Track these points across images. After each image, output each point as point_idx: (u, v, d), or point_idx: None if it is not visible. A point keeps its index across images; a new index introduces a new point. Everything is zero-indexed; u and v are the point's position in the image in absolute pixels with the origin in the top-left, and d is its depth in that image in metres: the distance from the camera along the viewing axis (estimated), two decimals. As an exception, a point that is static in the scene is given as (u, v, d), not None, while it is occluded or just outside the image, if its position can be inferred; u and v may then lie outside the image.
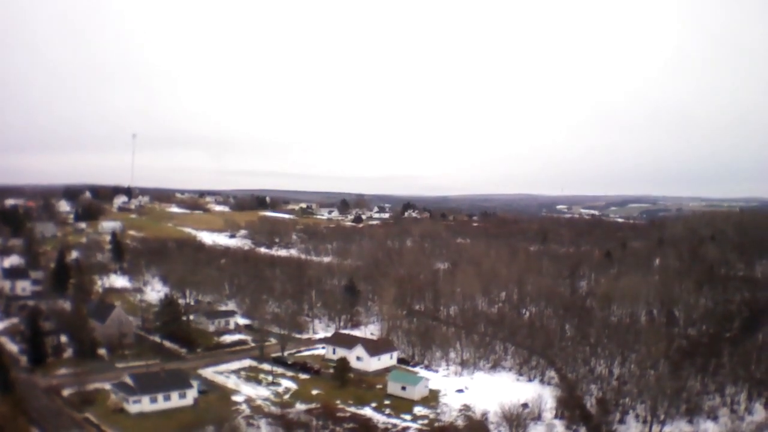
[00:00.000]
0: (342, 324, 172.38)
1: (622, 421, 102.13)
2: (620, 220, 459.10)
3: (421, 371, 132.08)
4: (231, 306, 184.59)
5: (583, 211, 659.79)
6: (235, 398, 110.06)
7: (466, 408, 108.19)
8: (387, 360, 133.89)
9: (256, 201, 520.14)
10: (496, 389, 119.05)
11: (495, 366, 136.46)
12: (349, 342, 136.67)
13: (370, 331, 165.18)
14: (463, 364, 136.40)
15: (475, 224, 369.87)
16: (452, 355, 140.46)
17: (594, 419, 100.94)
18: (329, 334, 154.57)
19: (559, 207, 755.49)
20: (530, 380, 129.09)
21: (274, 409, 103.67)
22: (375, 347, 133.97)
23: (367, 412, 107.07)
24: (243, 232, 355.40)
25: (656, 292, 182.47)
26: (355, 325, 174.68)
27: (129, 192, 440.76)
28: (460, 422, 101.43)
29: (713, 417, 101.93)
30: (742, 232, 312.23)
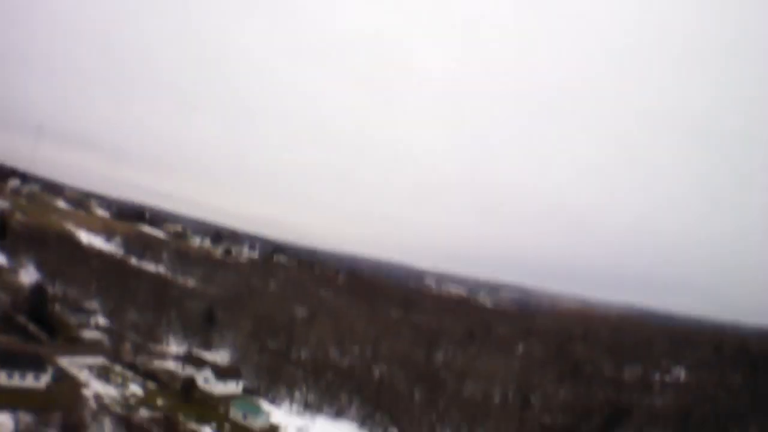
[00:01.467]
0: (196, 344, 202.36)
1: None
2: (488, 304, 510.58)
3: (265, 404, 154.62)
4: (95, 305, 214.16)
5: (453, 287, 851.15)
6: (85, 392, 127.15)
7: None
8: (233, 387, 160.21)
9: (137, 213, 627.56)
10: None
11: (338, 414, 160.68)
12: (200, 362, 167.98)
13: (220, 356, 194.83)
14: (307, 405, 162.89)
15: (339, 281, 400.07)
16: (297, 395, 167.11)
17: None
18: (182, 352, 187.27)
19: (427, 281, 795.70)
20: None
21: (119, 410, 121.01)
22: (224, 372, 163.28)
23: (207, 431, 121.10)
24: (118, 239, 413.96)
25: (515, 376, 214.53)
26: (208, 347, 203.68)
27: (24, 177, 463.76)
28: None
29: None
30: (616, 335, 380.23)
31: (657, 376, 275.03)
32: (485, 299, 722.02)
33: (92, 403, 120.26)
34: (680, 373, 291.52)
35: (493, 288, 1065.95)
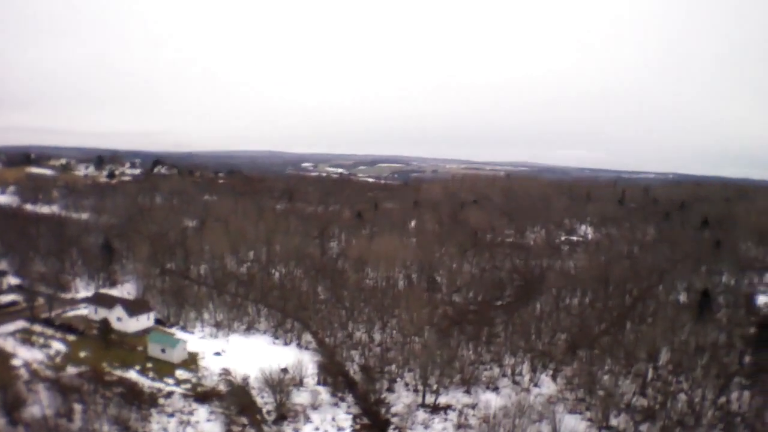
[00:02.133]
0: (101, 283, 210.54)
1: (390, 390, 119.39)
2: (370, 180, 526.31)
3: (178, 333, 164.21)
4: (2, 265, 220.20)
5: (329, 169, 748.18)
6: (15, 362, 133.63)
7: (226, 372, 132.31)
8: (145, 321, 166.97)
9: (24, 157, 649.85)
10: (253, 352, 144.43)
11: (249, 328, 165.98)
12: (109, 302, 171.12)
13: (127, 290, 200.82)
14: (218, 325, 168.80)
15: (221, 181, 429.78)
16: (206, 316, 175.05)
17: (359, 387, 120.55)
18: (90, 294, 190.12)
19: (304, 165, 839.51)
20: (287, 344, 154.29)
21: (49, 373, 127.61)
22: (133, 308, 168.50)
23: (133, 375, 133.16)
24: (11, 188, 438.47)
25: (414, 256, 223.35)
26: (114, 284, 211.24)
27: None
28: (221, 387, 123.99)
29: (494, 388, 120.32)
30: (510, 198, 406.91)
31: (562, 237, 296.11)
32: (367, 176, 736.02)
33: (24, 372, 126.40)
34: (586, 231, 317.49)
35: (372, 162, 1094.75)
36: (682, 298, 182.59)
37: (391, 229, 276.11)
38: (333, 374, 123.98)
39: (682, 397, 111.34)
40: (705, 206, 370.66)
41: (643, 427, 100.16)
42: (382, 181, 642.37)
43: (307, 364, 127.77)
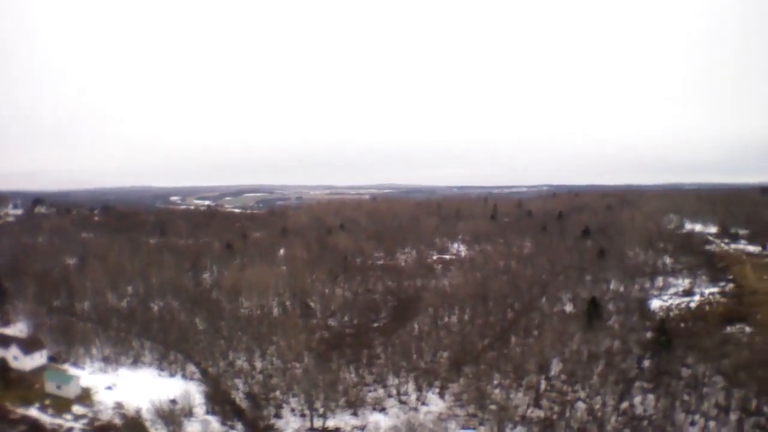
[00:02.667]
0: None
1: (278, 416, 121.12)
2: (237, 210, 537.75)
3: (71, 369, 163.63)
4: None
5: (197, 201, 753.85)
6: None
7: (119, 405, 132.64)
8: (39, 358, 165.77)
9: None
10: (141, 385, 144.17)
11: (136, 361, 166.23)
12: (5, 342, 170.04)
13: (19, 329, 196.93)
14: (106, 360, 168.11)
15: (96, 218, 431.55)
16: (94, 351, 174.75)
17: (247, 414, 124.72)
18: None
19: (173, 198, 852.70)
20: (172, 375, 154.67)
21: None
22: (28, 346, 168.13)
23: (34, 412, 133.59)
24: None
25: (286, 283, 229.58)
26: (7, 323, 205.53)
27: None
28: (117, 420, 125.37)
29: (381, 409, 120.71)
30: (377, 221, 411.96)
31: (434, 256, 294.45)
32: (233, 207, 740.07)
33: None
34: (459, 248, 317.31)
35: (237, 192, 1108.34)
36: (569, 308, 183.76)
37: (261, 258, 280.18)
38: (220, 403, 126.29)
39: (581, 405, 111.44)
40: (585, 215, 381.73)
41: None
42: (248, 211, 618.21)
43: (194, 394, 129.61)
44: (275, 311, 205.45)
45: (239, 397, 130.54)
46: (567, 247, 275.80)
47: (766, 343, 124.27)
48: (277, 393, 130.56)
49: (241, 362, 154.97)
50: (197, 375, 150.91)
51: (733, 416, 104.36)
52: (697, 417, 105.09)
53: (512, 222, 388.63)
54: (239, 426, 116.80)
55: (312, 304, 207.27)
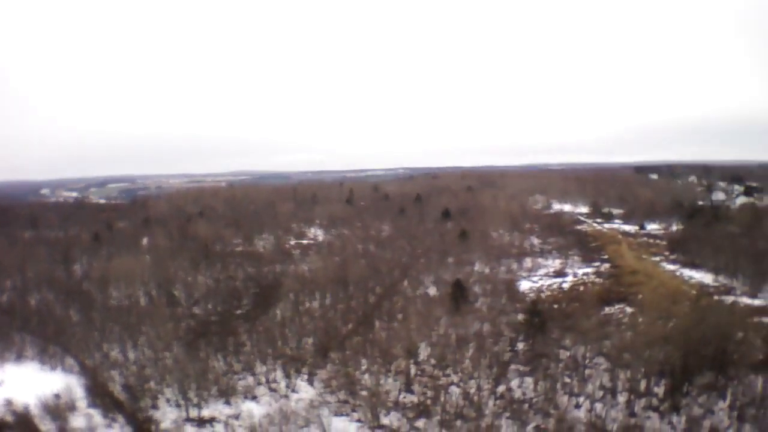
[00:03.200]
0: None
1: (155, 407, 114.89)
2: (102, 201, 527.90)
3: None
4: None
5: (65, 194, 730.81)
6: None
7: (9, 402, 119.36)
8: None
9: None
10: (26, 381, 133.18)
11: (19, 356, 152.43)
12: None
13: None
14: None
15: None
16: None
17: (126, 406, 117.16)
18: None
19: (43, 191, 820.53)
20: (53, 369, 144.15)
21: None
22: None
23: None
24: None
25: (150, 272, 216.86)
26: None
27: None
28: (8, 417, 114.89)
29: (252, 397, 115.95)
30: (235, 207, 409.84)
31: (292, 241, 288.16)
32: (98, 197, 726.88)
33: None
34: (316, 233, 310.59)
35: (101, 183, 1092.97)
36: (432, 291, 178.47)
37: (126, 248, 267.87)
38: (100, 396, 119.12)
39: (455, 390, 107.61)
40: (444, 198, 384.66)
41: (420, 423, 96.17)
42: (113, 202, 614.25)
43: (75, 388, 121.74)
44: (142, 301, 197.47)
45: (117, 390, 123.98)
46: (427, 230, 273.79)
47: (649, 323, 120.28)
48: (152, 384, 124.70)
49: (115, 353, 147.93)
50: (76, 368, 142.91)
51: (622, 398, 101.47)
52: (581, 399, 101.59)
53: (369, 206, 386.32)
54: (120, 419, 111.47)
55: (176, 293, 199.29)
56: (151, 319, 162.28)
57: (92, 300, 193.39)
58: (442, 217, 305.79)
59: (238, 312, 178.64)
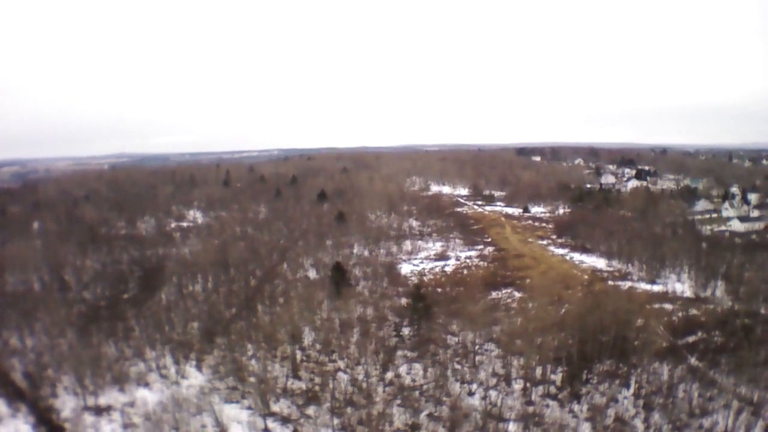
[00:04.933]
0: None
1: (54, 395, 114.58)
2: None
3: None
4: None
5: None
6: None
7: None
8: None
9: None
10: None
11: None
12: None
13: None
14: None
15: None
16: None
17: (28, 395, 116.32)
18: None
19: None
20: None
21: None
22: None
23: None
24: None
25: (42, 257, 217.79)
26: None
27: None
28: None
29: (145, 384, 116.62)
30: (117, 190, 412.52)
31: (173, 224, 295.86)
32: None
33: None
34: (195, 216, 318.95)
35: None
36: (312, 274, 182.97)
37: (19, 232, 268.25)
38: (3, 384, 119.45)
39: (343, 376, 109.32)
40: (320, 179, 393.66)
41: (310, 411, 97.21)
42: (4, 186, 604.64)
43: None
44: (36, 286, 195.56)
45: (18, 378, 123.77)
46: (304, 212, 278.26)
47: (541, 309, 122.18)
48: (50, 371, 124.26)
49: (14, 340, 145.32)
50: None
51: (517, 386, 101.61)
52: (474, 387, 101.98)
53: (245, 187, 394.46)
54: (23, 408, 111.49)
55: (67, 278, 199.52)
56: (45, 305, 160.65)
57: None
58: (318, 199, 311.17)
59: (125, 296, 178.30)
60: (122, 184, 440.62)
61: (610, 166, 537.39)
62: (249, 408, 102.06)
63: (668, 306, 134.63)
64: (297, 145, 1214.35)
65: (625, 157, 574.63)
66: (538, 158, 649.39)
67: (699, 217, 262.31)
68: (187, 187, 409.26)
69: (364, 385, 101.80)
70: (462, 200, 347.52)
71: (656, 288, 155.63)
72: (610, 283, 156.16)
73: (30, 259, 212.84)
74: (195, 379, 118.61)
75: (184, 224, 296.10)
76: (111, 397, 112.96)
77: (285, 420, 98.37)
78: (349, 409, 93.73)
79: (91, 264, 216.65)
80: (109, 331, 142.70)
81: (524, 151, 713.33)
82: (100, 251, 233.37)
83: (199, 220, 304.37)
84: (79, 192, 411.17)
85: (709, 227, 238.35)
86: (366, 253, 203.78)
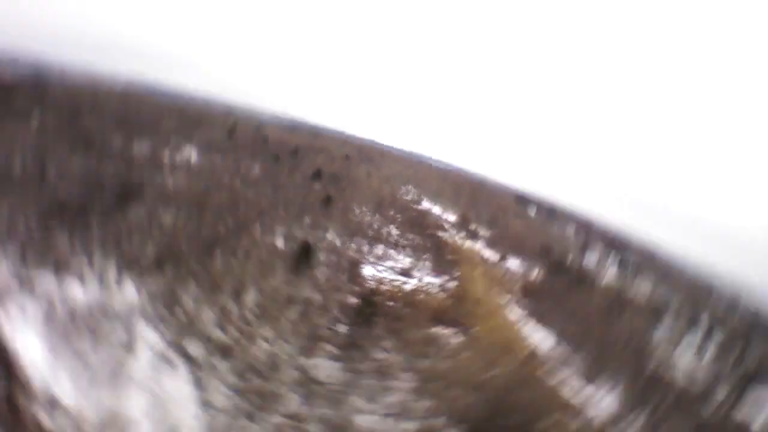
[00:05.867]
0: None
1: None
2: (8, 78, 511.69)
3: None
4: None
5: None
6: None
7: None
8: None
9: None
10: None
11: None
12: None
13: None
14: None
15: None
16: None
17: None
18: None
19: None
20: None
21: None
22: None
23: None
24: None
25: (31, 147, 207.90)
26: None
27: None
28: None
29: (82, 281, 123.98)
30: (123, 109, 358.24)
31: (167, 155, 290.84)
32: (3, 73, 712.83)
33: None
34: (191, 154, 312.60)
35: (11, 60, 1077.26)
36: (280, 243, 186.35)
37: (17, 121, 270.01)
38: None
39: (264, 345, 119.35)
40: (320, 158, 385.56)
41: (217, 362, 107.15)
42: (17, 78, 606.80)
43: None
44: (16, 169, 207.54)
45: None
46: (295, 184, 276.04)
47: (471, 361, 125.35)
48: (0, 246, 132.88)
49: None
50: None
51: (411, 426, 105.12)
52: (376, 407, 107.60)
53: (247, 143, 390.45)
54: None
55: (47, 171, 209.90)
56: (18, 188, 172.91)
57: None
58: (312, 177, 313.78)
59: (97, 204, 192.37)
60: (130, 104, 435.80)
61: (600, 245, 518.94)
62: (166, 339, 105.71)
63: (586, 415, 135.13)
64: (308, 116, 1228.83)
65: (617, 239, 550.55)
66: (534, 211, 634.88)
67: (655, 342, 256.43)
68: (192, 125, 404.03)
69: (276, 360, 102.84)
70: (447, 226, 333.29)
71: (586, 391, 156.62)
72: (546, 365, 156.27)
73: (19, 146, 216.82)
74: (130, 296, 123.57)
75: (177, 158, 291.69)
76: (47, 281, 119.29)
77: (191, 361, 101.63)
78: (251, 376, 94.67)
79: (75, 167, 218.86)
80: (69, 227, 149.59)
81: (522, 200, 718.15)
82: (88, 158, 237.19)
83: (193, 159, 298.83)
84: (86, 100, 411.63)
85: (660, 355, 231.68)
86: (338, 242, 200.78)
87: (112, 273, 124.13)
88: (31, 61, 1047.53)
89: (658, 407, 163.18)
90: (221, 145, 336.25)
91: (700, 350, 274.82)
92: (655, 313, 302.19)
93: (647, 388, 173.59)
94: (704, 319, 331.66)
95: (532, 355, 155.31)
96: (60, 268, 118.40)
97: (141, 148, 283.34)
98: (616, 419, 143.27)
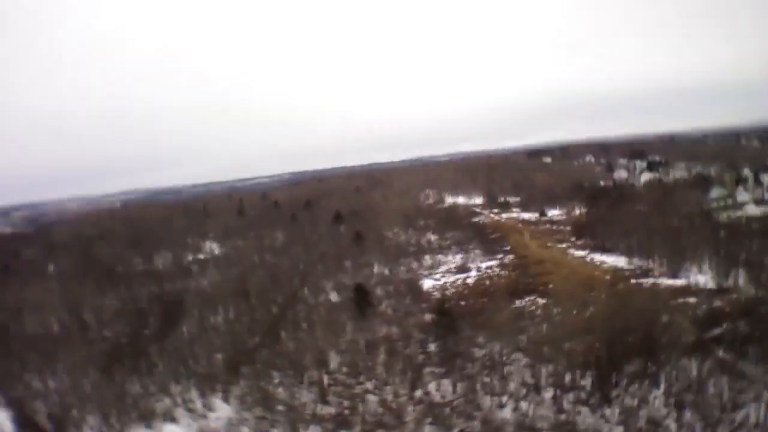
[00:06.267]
0: None
1: None
2: (8, 230, 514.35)
3: None
4: None
5: None
6: None
7: None
8: None
9: None
10: None
11: None
12: None
13: None
14: None
15: None
16: None
17: None
18: None
19: None
20: None
21: None
22: None
23: None
24: None
25: (59, 298, 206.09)
26: None
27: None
28: None
29: (171, 419, 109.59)
30: (131, 227, 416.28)
31: (190, 257, 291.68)
32: (3, 226, 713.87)
33: None
34: (212, 247, 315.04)
35: (4, 212, 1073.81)
36: (334, 297, 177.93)
37: (36, 275, 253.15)
38: (29, 427, 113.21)
39: (371, 397, 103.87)
40: (334, 200, 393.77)
41: None
42: (18, 231, 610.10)
43: (5, 422, 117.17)
44: (54, 328, 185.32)
45: (43, 420, 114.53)
46: (320, 235, 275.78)
47: (565, 313, 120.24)
48: (74, 412, 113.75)
49: (37, 383, 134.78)
50: (2, 401, 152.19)
51: (547, 394, 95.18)
52: (505, 398, 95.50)
53: (260, 215, 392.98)
54: None
55: (85, 317, 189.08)
56: (66, 346, 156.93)
57: (8, 331, 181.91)
58: (333, 221, 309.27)
59: (146, 332, 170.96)
60: (135, 220, 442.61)
61: (622, 160, 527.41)
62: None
63: (692, 299, 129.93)
64: (307, 166, 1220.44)
65: (635, 150, 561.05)
66: (549, 159, 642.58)
67: (714, 204, 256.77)
68: (202, 219, 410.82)
69: (394, 405, 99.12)
70: (478, 210, 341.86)
71: (679, 282, 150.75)
72: (633, 281, 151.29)
73: (47, 302, 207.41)
74: (222, 411, 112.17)
75: (201, 256, 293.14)
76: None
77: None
78: (380, 431, 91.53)
79: (109, 302, 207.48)
80: (132, 368, 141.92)
81: (534, 153, 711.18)
82: (117, 289, 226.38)
83: (216, 251, 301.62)
84: (92, 231, 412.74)
85: (725, 214, 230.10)
86: (386, 271, 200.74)
87: (194, 396, 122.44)
88: (26, 206, 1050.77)
89: (750, 255, 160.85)
90: (237, 227, 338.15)
91: (757, 197, 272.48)
92: (702, 185, 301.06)
93: (729, 245, 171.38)
94: (747, 170, 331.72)
95: (615, 279, 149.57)
96: (146, 418, 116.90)
97: (163, 259, 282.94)
98: (719, 291, 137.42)
